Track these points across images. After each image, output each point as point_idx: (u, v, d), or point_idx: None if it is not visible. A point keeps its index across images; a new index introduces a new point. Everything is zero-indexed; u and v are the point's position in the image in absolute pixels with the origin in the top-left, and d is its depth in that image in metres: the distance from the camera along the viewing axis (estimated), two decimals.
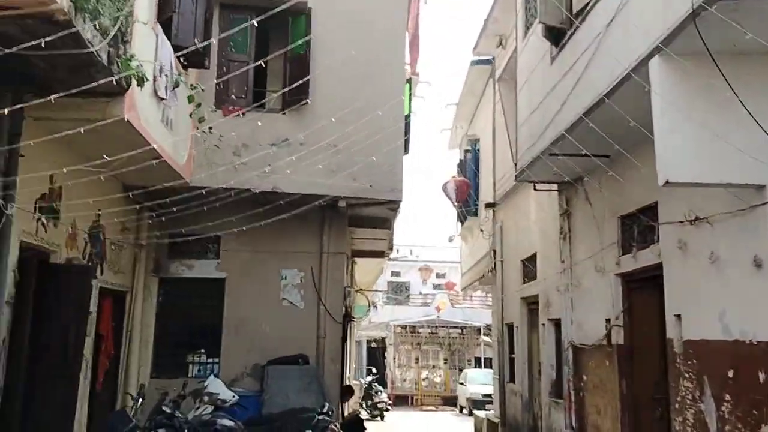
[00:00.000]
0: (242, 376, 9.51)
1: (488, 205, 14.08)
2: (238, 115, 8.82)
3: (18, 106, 5.34)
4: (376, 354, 36.09)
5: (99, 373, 8.04)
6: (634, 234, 7.74)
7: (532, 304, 11.84)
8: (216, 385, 8.06)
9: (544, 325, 10.71)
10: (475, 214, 16.39)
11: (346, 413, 11.92)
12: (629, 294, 7.92)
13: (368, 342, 36.83)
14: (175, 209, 7.73)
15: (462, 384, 28.99)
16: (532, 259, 11.47)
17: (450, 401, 32.03)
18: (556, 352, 10.36)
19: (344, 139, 8.73)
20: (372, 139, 8.55)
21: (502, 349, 13.44)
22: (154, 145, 6.77)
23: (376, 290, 23.20)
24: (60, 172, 6.35)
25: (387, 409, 23.34)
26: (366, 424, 20.54)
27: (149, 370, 9.39)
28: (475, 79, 15.33)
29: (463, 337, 35.06)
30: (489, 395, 26.07)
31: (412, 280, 41.94)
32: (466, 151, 16.81)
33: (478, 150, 16.33)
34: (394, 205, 9.83)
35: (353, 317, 12.64)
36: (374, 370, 27.88)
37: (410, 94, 10.92)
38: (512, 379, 12.93)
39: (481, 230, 14.17)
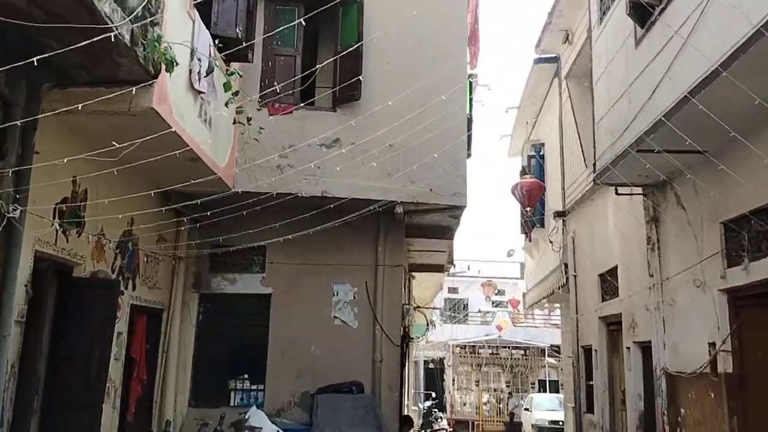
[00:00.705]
0: (289, 406, 8.58)
1: (558, 214, 12.88)
2: (286, 113, 7.98)
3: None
4: (434, 375, 34.81)
5: (130, 401, 7.21)
6: (743, 242, 6.52)
7: (613, 324, 10.58)
8: (258, 418, 7.15)
9: (628, 348, 9.45)
10: (542, 224, 15.19)
11: None
12: (738, 313, 6.67)
13: (425, 363, 35.61)
14: (216, 217, 6.94)
15: (527, 410, 27.46)
16: (612, 273, 10.24)
17: (513, 427, 30.46)
18: (644, 380, 9.10)
19: (400, 138, 7.81)
20: (432, 134, 7.58)
21: (578, 375, 12.16)
22: (190, 144, 5.95)
23: (435, 308, 22.05)
24: (85, 174, 5.62)
25: None
26: None
27: (187, 397, 8.53)
28: (539, 79, 14.19)
29: (527, 359, 33.40)
30: (556, 422, 24.58)
31: (470, 296, 40.50)
32: (530, 158, 15.63)
33: (543, 156, 15.15)
34: (456, 212, 8.81)
35: (412, 338, 11.60)
36: (434, 395, 26.61)
37: (471, 94, 9.90)
38: (590, 409, 11.63)
39: (550, 242, 12.96)
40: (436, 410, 23.07)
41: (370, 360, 8.74)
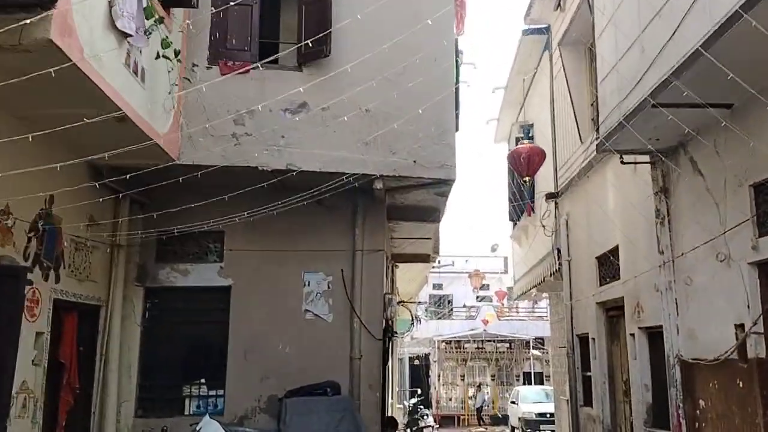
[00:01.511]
0: (254, 413, 7.53)
1: (550, 196, 11.92)
2: (242, 72, 6.91)
3: None
4: (419, 372, 34.11)
5: (60, 413, 6.09)
6: None
7: (613, 310, 9.64)
8: (212, 430, 6.07)
9: (633, 335, 8.51)
10: (532, 210, 14.24)
11: None
12: None
13: (411, 359, 34.84)
14: (161, 197, 5.92)
15: (513, 403, 26.68)
16: (613, 254, 9.29)
17: (499, 420, 29.73)
18: (652, 369, 8.15)
19: (378, 102, 6.79)
20: (414, 98, 6.56)
21: (574, 366, 11.20)
22: (112, 97, 4.87)
23: (420, 302, 21.06)
24: None
25: None
26: None
27: (133, 407, 7.42)
28: (528, 52, 13.20)
29: (512, 351, 32.85)
30: (544, 414, 23.84)
31: (455, 292, 39.85)
32: (518, 140, 14.66)
33: (532, 137, 14.16)
34: (444, 188, 7.79)
35: (395, 332, 10.58)
36: (419, 391, 25.66)
37: (458, 59, 8.87)
38: (588, 402, 10.68)
39: (543, 226, 12.00)
40: (422, 407, 22.06)
41: (348, 357, 7.72)
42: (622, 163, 7.80)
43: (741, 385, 5.94)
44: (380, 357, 7.88)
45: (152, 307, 7.80)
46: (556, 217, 11.92)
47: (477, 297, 39.76)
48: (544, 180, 12.52)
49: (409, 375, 34.97)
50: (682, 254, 6.93)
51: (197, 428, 6.19)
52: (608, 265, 9.53)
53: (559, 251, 11.71)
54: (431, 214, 9.13)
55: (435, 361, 32.60)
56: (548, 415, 23.57)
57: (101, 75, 4.65)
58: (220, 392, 7.64)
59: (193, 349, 7.80)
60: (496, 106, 16.50)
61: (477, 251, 40.75)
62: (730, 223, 6.02)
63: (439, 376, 32.56)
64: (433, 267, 20.98)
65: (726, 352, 6.07)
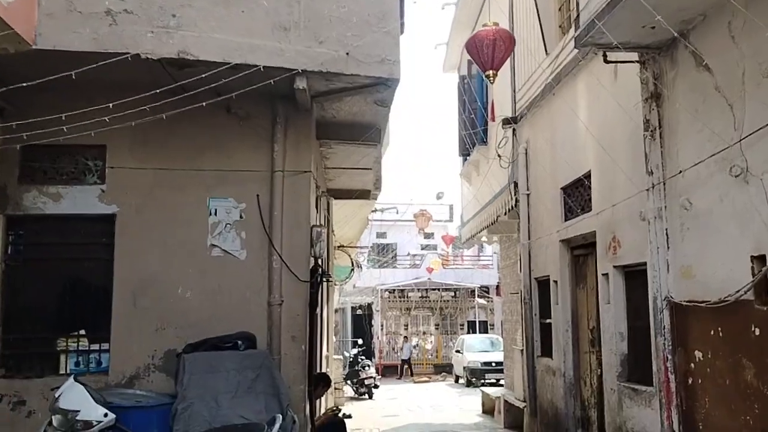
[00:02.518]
0: (147, 372, 5.99)
1: (507, 122, 10.54)
2: None
3: None
4: (362, 322, 33.09)
5: None
6: None
7: (580, 248, 8.39)
8: (74, 396, 4.54)
9: (606, 275, 7.27)
10: (484, 142, 12.86)
11: (320, 413, 8.43)
12: None
13: (353, 309, 33.82)
14: (20, 98, 4.21)
15: (458, 352, 25.92)
16: (582, 183, 7.99)
17: (443, 369, 29.05)
18: (629, 314, 6.95)
19: None
20: None
21: (531, 313, 9.99)
22: None
23: (362, 247, 19.68)
24: None
25: (376, 386, 20.01)
26: (352, 406, 17.25)
27: None
28: None
29: (456, 300, 32.18)
30: (490, 363, 23.13)
31: (399, 240, 38.77)
32: (470, 63, 13.17)
33: None
34: (385, 93, 6.25)
35: (327, 274, 9.11)
36: (360, 342, 24.56)
37: None
38: (546, 353, 9.51)
39: (498, 156, 10.62)
40: (363, 358, 20.89)
41: (265, 303, 6.22)
42: (606, 62, 6.40)
43: (757, 333, 4.71)
44: (306, 302, 6.40)
45: (16, 241, 6.10)
46: (513, 145, 10.56)
47: (422, 246, 38.84)
48: (500, 106, 11.12)
49: (352, 325, 34.02)
50: (680, 172, 5.62)
51: (57, 394, 4.63)
52: (576, 196, 8.23)
53: (516, 185, 10.39)
54: (369, 131, 7.59)
55: (378, 311, 31.65)
56: (494, 364, 22.92)
57: None
58: (105, 346, 6.06)
59: (70, 294, 6.17)
60: (445, 27, 14.95)
61: (422, 199, 39.57)
62: (749, 127, 4.71)
63: (382, 325, 31.69)
64: (375, 210, 19.58)
65: (737, 291, 4.84)
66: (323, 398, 8.63)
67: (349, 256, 17.36)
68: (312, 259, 6.64)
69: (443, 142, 62.55)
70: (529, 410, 9.92)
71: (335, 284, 18.68)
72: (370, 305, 32.93)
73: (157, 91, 5.19)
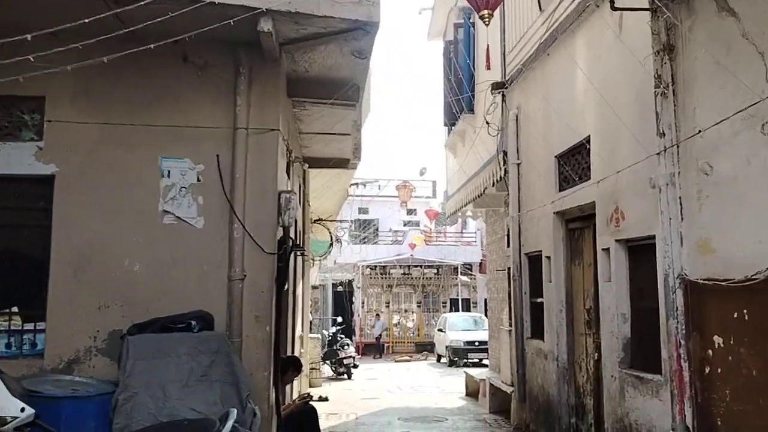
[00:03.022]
0: (88, 355, 5.26)
1: (496, 87, 9.79)
2: None
3: None
4: (342, 299, 32.46)
5: None
6: None
7: (576, 220, 7.72)
8: None
9: (606, 250, 6.58)
10: (471, 110, 12.11)
11: (291, 400, 7.72)
12: None
13: (334, 286, 33.16)
14: None
15: (441, 330, 25.34)
16: (580, 149, 7.29)
17: (424, 348, 28.53)
18: (632, 294, 6.28)
19: None
20: None
21: (520, 291, 9.32)
22: None
23: (342, 220, 18.93)
24: None
25: (355, 366, 19.37)
26: (330, 387, 16.63)
27: None
28: None
29: (439, 277, 31.61)
30: (473, 343, 22.60)
31: (381, 216, 38.07)
32: (457, 27, 12.38)
33: (474, 24, 11.93)
34: (364, 40, 5.48)
35: (301, 248, 8.37)
36: (340, 319, 23.88)
37: None
38: (537, 334, 8.87)
39: (486, 123, 9.87)
40: (342, 336, 20.21)
41: (225, 278, 5.49)
42: (613, 8, 5.65)
43: None
44: (273, 278, 5.67)
45: None
46: (503, 112, 9.82)
47: (404, 222, 38.20)
48: (493, 69, 10.34)
49: (333, 302, 33.40)
50: (698, 132, 4.91)
51: None
52: (573, 164, 7.53)
53: (505, 154, 9.67)
54: (347, 89, 6.81)
55: (359, 288, 31.00)
56: (477, 344, 22.38)
57: None
58: (40, 326, 5.31)
59: (0, 265, 5.39)
60: None
61: (405, 176, 38.86)
62: None
63: (363, 303, 31.06)
64: (355, 184, 18.83)
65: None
66: (296, 382, 7.93)
67: (328, 230, 16.61)
68: (280, 230, 5.90)
69: (427, 115, 61.63)
70: (517, 395, 9.28)
71: (313, 259, 17.97)
72: (350, 282, 32.30)
73: (102, 37, 4.41)
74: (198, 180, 5.57)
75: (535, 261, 8.92)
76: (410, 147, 62.50)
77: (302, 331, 10.77)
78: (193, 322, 5.18)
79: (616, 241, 6.35)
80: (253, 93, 5.69)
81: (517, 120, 9.32)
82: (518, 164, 9.28)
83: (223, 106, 5.63)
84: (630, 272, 6.28)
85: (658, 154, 5.33)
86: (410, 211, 39.23)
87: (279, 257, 5.83)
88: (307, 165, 9.83)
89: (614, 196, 6.33)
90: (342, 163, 10.84)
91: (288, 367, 6.70)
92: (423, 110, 71.00)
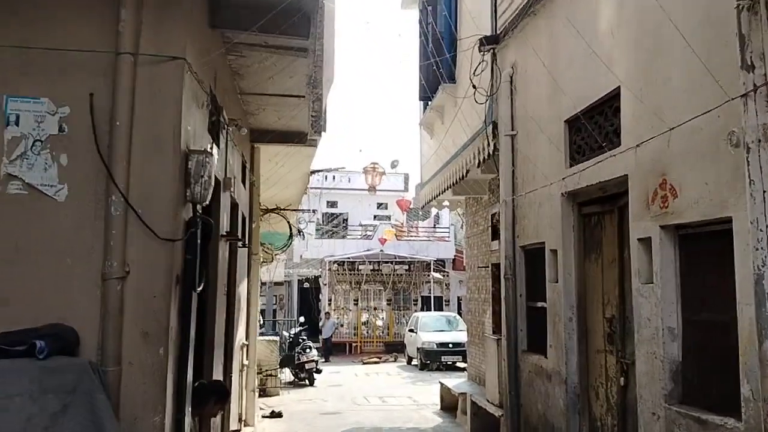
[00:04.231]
0: None
1: (486, 43, 8.00)
2: None
3: None
4: (309, 296, 30.62)
5: None
6: None
7: (593, 203, 5.99)
8: None
9: (644, 240, 4.82)
10: (451, 79, 10.32)
11: None
12: None
13: (299, 282, 31.31)
14: None
15: (412, 331, 23.66)
16: (601, 110, 5.56)
17: (394, 348, 26.76)
18: (685, 301, 4.53)
19: None
20: None
21: (514, 293, 7.56)
22: None
23: (303, 210, 17.05)
24: None
25: (318, 371, 17.53)
26: (288, 396, 14.78)
27: None
28: None
29: (410, 274, 29.93)
30: (446, 344, 21.01)
31: (351, 211, 36.40)
32: None
33: None
34: None
35: (233, 234, 6.49)
36: (302, 320, 22.02)
37: None
38: (537, 348, 7.11)
39: (473, 87, 8.09)
40: (305, 338, 18.32)
41: (98, 275, 3.63)
42: None
43: None
44: (173, 276, 3.82)
45: None
46: (493, 74, 8.05)
47: (374, 216, 36.51)
48: (480, 24, 8.57)
49: (298, 299, 31.56)
50: None
51: None
52: (593, 129, 5.76)
53: (495, 126, 7.91)
54: (294, 22, 4.95)
55: (326, 284, 29.14)
56: (451, 345, 20.83)
57: None
58: None
59: None
60: None
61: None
62: None
63: (330, 300, 29.18)
64: (319, 170, 16.96)
65: None
66: (219, 418, 6.04)
67: (287, 221, 14.72)
68: (189, 207, 4.05)
69: (400, 104, 59.65)
70: (509, 423, 7.48)
71: (274, 254, 16.08)
72: (317, 278, 30.47)
73: None
74: (61, 130, 3.71)
75: (534, 256, 7.17)
76: (381, 138, 60.54)
77: (247, 339, 8.89)
78: (40, 343, 3.32)
79: (662, 227, 4.60)
80: (146, 4, 3.83)
81: (511, 81, 7.57)
82: (512, 136, 7.53)
83: (99, 20, 3.77)
84: (682, 270, 4.53)
85: (743, 96, 3.57)
86: (380, 205, 37.62)
87: (187, 247, 3.99)
88: (254, 143, 7.94)
89: (661, 165, 4.58)
90: (299, 138, 9.01)
91: (209, 397, 4.86)
92: (396, 96, 69.01)
